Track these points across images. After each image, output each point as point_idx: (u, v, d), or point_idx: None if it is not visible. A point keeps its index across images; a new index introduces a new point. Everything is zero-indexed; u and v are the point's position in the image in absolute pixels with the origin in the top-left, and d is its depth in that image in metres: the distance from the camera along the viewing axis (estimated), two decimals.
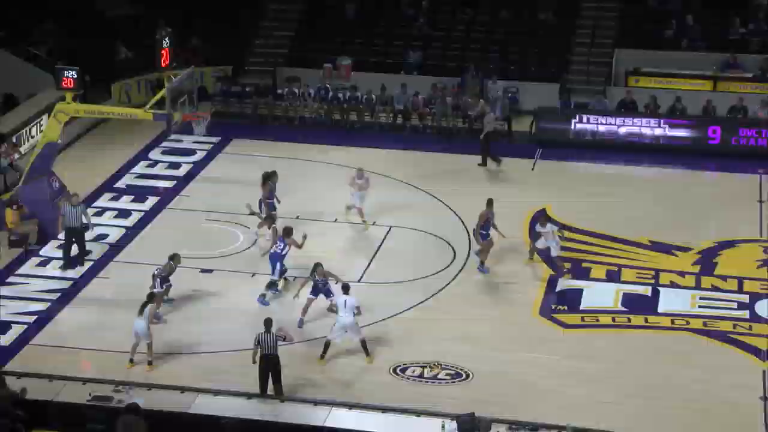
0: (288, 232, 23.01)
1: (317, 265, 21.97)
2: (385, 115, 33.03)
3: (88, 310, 22.81)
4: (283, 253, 22.83)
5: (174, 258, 22.71)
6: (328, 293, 21.91)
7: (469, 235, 25.37)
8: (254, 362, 19.35)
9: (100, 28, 36.05)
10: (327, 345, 20.74)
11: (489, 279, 23.87)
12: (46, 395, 18.40)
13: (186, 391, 18.84)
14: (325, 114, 33.27)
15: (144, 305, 20.61)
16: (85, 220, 24.44)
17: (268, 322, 19.37)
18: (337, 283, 21.83)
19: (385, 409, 18.47)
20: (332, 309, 21.58)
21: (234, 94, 34.16)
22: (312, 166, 29.90)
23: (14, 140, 28.38)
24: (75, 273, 24.09)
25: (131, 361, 20.63)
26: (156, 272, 22.44)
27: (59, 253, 24.60)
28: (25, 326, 22.05)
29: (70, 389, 18.59)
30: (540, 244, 24.14)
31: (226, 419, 17.84)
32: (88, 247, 24.85)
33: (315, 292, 21.97)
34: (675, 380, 20.33)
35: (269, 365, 19.28)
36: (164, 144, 31.09)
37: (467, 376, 20.35)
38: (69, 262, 24.09)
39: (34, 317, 22.41)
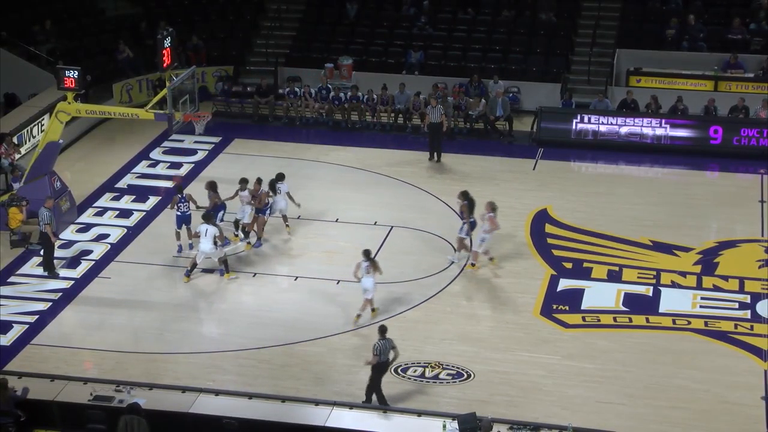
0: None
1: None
2: (387, 115, 33.00)
3: (89, 309, 22.83)
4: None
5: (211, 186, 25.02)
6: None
7: (470, 236, 25.40)
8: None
9: (101, 27, 36.08)
10: (193, 266, 23.56)
11: (490, 279, 23.85)
12: (48, 395, 18.40)
13: (187, 391, 18.83)
14: (326, 114, 33.25)
15: (372, 263, 21.69)
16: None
17: (383, 329, 19.31)
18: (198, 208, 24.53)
19: (386, 409, 18.47)
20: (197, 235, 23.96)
21: (235, 94, 34.13)
22: (313, 166, 29.88)
23: (15, 140, 28.35)
24: (76, 273, 24.13)
25: (358, 316, 21.97)
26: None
27: (62, 253, 24.64)
28: (27, 326, 22.09)
29: (71, 389, 18.58)
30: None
31: (228, 419, 17.86)
32: (88, 247, 24.96)
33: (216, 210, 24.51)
34: (676, 380, 20.34)
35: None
36: (165, 144, 31.10)
37: (468, 376, 20.36)
38: (51, 266, 24.03)
39: (36, 317, 22.44)
